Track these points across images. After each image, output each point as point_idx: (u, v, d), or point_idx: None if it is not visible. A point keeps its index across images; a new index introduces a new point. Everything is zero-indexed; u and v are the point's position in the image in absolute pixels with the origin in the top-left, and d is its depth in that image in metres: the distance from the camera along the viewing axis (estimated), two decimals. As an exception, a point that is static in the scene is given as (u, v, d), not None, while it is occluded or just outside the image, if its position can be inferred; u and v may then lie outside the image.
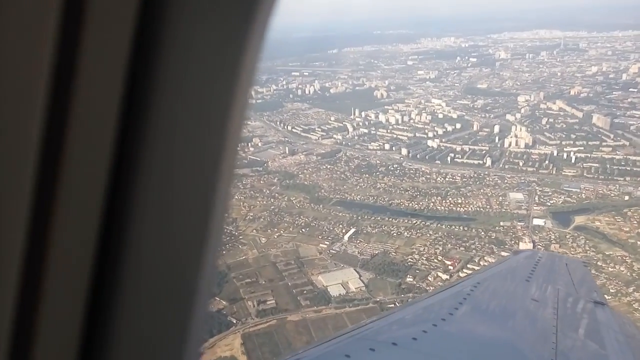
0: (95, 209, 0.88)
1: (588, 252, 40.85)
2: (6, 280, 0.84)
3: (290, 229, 47.79)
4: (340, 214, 49.68)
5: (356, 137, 67.36)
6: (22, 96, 0.78)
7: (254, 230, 47.78)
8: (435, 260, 41.42)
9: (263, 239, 46.32)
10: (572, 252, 40.76)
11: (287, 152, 63.93)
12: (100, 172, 0.87)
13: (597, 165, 53.86)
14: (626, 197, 47.96)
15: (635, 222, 43.79)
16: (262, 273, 41.53)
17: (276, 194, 54.43)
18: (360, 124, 71.42)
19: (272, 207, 51.75)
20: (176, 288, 1.00)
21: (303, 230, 47.48)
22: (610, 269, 38.76)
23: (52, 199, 0.84)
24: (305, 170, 59.26)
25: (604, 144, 58.18)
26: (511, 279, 6.76)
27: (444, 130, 66.18)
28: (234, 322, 36.36)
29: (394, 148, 62.86)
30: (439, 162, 58.41)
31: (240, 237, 46.84)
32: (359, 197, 52.78)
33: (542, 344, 4.67)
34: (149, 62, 0.87)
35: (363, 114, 74.00)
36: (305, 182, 56.38)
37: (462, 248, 42.74)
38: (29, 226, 0.83)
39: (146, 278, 0.97)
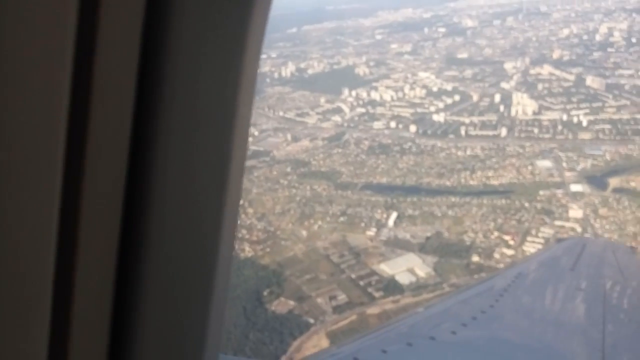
0: (116, 206, 0.93)
1: (636, 212, 42.35)
2: (43, 279, 0.88)
3: (327, 219, 46.70)
4: (372, 199, 48.99)
5: (356, 118, 66.54)
6: (46, 95, 0.81)
7: (290, 224, 46.36)
8: (493, 237, 41.74)
9: (303, 231, 45.04)
10: (622, 215, 42.21)
11: (289, 139, 62.28)
12: (119, 168, 0.92)
13: (609, 126, 55.81)
14: (650, 156, 50.07)
15: (668, 178, 45.84)
16: (319, 268, 40.42)
17: (295, 184, 52.95)
18: (354, 103, 70.52)
19: (297, 198, 50.33)
20: (194, 281, 1.08)
21: (341, 219, 46.53)
22: (664, 228, 40.37)
23: (77, 198, 0.89)
24: (316, 157, 57.95)
25: (606, 104, 60.29)
26: (555, 268, 6.71)
27: (445, 103, 66.43)
28: (312, 321, 35.25)
29: (400, 126, 62.56)
30: (452, 136, 58.71)
31: (278, 233, 45.34)
32: (384, 179, 52.24)
33: (589, 335, 4.61)
34: (156, 61, 0.92)
35: (353, 93, 73.05)
36: (322, 169, 55.19)
37: (513, 221, 43.28)
38: (59, 223, 0.87)
39: (165, 272, 1.03)
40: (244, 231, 44.09)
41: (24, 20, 0.78)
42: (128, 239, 0.97)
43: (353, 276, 38.83)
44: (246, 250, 42.43)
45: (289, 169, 55.71)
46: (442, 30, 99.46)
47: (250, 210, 47.29)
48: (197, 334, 1.12)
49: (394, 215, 45.60)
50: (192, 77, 0.97)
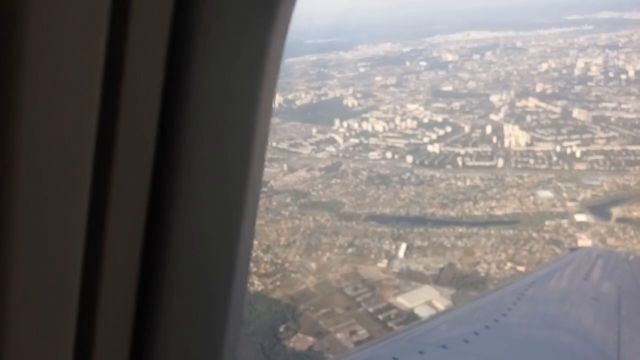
0: (140, 208, 0.96)
1: (643, 242, 42.02)
2: (70, 280, 0.90)
3: (335, 251, 44.99)
4: (378, 230, 47.56)
5: (350, 148, 65.55)
6: (76, 96, 0.83)
7: (297, 256, 44.47)
8: (506, 267, 40.66)
9: (312, 263, 43.19)
10: (631, 244, 41.78)
11: (285, 169, 60.72)
12: (144, 171, 0.95)
13: (602, 157, 56.06)
14: (646, 186, 50.18)
15: (668, 208, 45.82)
16: (334, 301, 38.51)
17: (297, 215, 51.21)
18: (347, 134, 69.62)
19: (301, 229, 48.57)
20: (214, 282, 1.11)
21: (349, 250, 44.89)
22: (675, 257, 39.97)
23: (103, 199, 0.91)
24: (315, 187, 56.45)
25: (596, 136, 60.79)
26: (569, 277, 6.55)
27: (437, 134, 66.06)
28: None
29: (396, 156, 61.74)
30: (450, 166, 58.08)
31: (287, 265, 43.37)
32: (387, 210, 50.96)
33: (603, 344, 4.54)
34: (182, 69, 0.95)
35: (344, 123, 72.28)
36: (323, 200, 53.67)
37: (524, 252, 42.37)
38: (86, 224, 0.89)
39: (186, 273, 1.06)
40: (250, 264, 42.05)
41: (56, 27, 0.78)
42: (152, 239, 0.99)
43: (371, 310, 37.07)
44: (256, 284, 40.29)
45: (288, 200, 54.05)
46: (424, 63, 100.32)
47: (254, 242, 45.22)
48: (216, 335, 1.14)
49: (404, 246, 44.20)
50: (216, 83, 0.98)
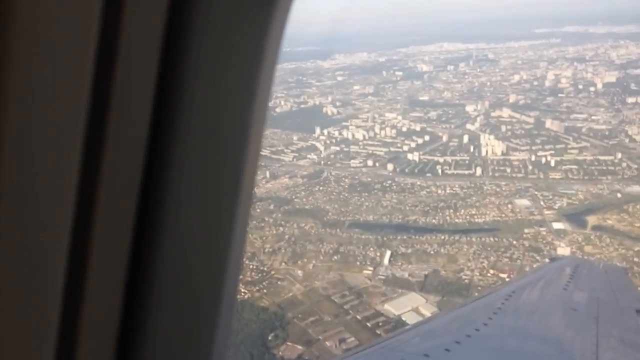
0: (129, 207, 0.95)
1: (619, 249, 42.82)
2: (54, 279, 0.88)
3: (321, 258, 44.72)
4: (362, 237, 47.47)
5: (332, 156, 65.43)
6: (67, 91, 0.82)
7: (283, 263, 44.06)
8: (489, 274, 40.96)
9: (299, 271, 42.84)
10: (607, 252, 42.56)
11: (267, 176, 60.16)
12: (134, 171, 0.94)
13: (575, 166, 57.09)
14: (619, 195, 51.23)
15: (641, 217, 46.85)
16: (322, 309, 38.21)
17: (282, 222, 50.81)
18: (328, 142, 69.52)
19: (286, 237, 48.19)
20: (205, 283, 1.08)
21: (335, 257, 44.65)
22: (650, 264, 40.84)
23: (91, 198, 0.89)
24: (298, 194, 56.12)
25: (568, 146, 61.92)
26: (548, 287, 6.65)
27: (416, 143, 66.39)
28: (325, 367, 32.92)
29: (377, 164, 61.85)
30: (430, 174, 58.43)
31: (273, 273, 42.92)
32: (371, 217, 50.93)
33: (582, 355, 4.58)
34: (176, 68, 0.93)
35: (325, 131, 72.18)
36: (306, 207, 53.38)
37: (505, 259, 42.77)
38: (73, 223, 0.88)
39: (176, 273, 1.04)
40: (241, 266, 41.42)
41: (46, 23, 0.77)
42: (141, 240, 0.97)
43: (359, 317, 36.87)
44: (242, 292, 39.72)
45: (272, 207, 53.59)
46: (400, 73, 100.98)
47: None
48: (206, 336, 1.12)
49: (388, 253, 44.17)
50: (210, 82, 0.97)
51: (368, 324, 36.11)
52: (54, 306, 0.88)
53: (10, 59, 0.75)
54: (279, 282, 41.48)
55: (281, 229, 49.37)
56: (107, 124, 0.87)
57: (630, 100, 71.97)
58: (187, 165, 0.97)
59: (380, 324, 36.20)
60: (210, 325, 1.10)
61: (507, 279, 39.88)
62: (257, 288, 40.73)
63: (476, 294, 38.59)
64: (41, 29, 0.76)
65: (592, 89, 79.17)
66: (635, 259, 41.24)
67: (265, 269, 43.23)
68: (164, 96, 0.93)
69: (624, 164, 56.02)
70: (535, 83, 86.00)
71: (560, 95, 78.89)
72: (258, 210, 52.74)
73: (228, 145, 1.01)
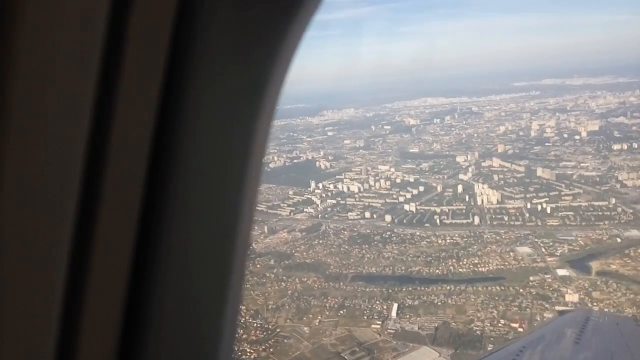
0: (133, 208, 0.93)
1: (627, 294, 41.84)
2: (56, 279, 0.86)
3: (327, 313, 43.02)
4: (367, 290, 46.00)
5: (329, 209, 64.49)
6: (71, 94, 0.80)
7: (288, 320, 42.26)
8: (500, 325, 39.57)
9: (305, 328, 41.03)
10: (616, 298, 41.56)
11: (265, 231, 58.89)
12: (138, 174, 0.92)
13: (572, 213, 56.73)
14: (618, 240, 50.68)
15: (643, 261, 46.16)
16: (333, 367, 36.34)
17: (283, 277, 49.24)
18: (324, 195, 68.74)
19: (289, 292, 46.54)
20: (210, 285, 1.06)
21: (341, 312, 43.01)
22: (659, 309, 39.83)
23: (95, 199, 0.88)
24: (297, 248, 54.76)
25: (562, 193, 61.78)
26: (560, 342, 6.38)
27: (411, 194, 65.92)
28: None
29: (375, 215, 61.00)
30: (428, 224, 57.59)
31: (278, 330, 41.03)
32: (373, 269, 49.60)
33: None
34: (182, 76, 0.92)
35: (320, 185, 71.51)
36: (307, 261, 51.95)
37: (514, 308, 41.49)
38: (76, 222, 0.86)
39: (181, 274, 1.02)
40: (240, 331, 39.53)
41: (54, 25, 0.76)
42: (144, 241, 0.95)
43: (371, 374, 35.08)
44: (248, 352, 37.76)
45: (272, 262, 52.09)
46: (388, 127, 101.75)
47: (241, 307, 42.88)
48: (211, 339, 1.09)
49: (395, 306, 42.66)
50: (217, 88, 0.95)
51: (382, 381, 34.27)
52: (56, 306, 0.86)
53: (15, 60, 0.73)
54: (285, 340, 39.61)
55: (283, 284, 47.78)
56: (112, 126, 0.85)
57: (616, 147, 72.74)
58: (191, 166, 0.95)
59: (395, 380, 34.39)
60: (215, 328, 1.07)
61: (519, 329, 38.57)
62: (263, 347, 38.80)
63: (489, 345, 37.13)
64: (47, 31, 0.75)
65: (577, 137, 80.00)
66: (645, 304, 40.22)
67: (270, 326, 41.40)
68: (170, 101, 0.90)
69: (619, 209, 55.79)
70: (521, 133, 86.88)
71: (547, 144, 79.58)
72: (258, 266, 51.21)
73: (233, 145, 0.99)
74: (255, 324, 41.14)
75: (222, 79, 0.93)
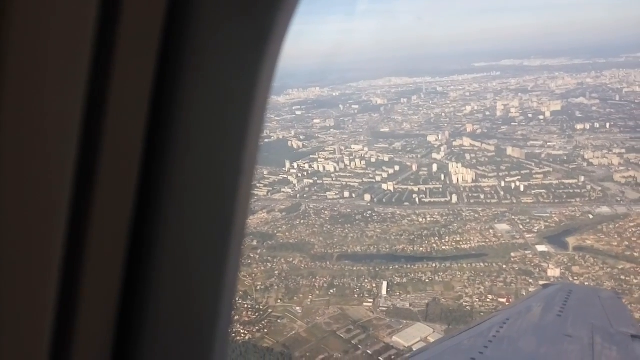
0: (126, 207, 0.93)
1: (604, 269, 43.28)
2: (49, 280, 0.86)
3: (317, 293, 42.74)
4: (354, 269, 45.90)
5: (307, 189, 63.92)
6: (63, 92, 0.80)
7: (279, 301, 41.74)
8: (488, 300, 40.26)
9: (297, 307, 40.63)
10: (594, 272, 42.92)
11: (245, 211, 57.79)
12: (130, 172, 0.92)
13: (544, 191, 58.14)
14: (590, 216, 52.30)
15: (616, 235, 47.79)
16: (329, 345, 36.13)
17: (268, 257, 48.56)
18: (299, 175, 68.05)
19: (276, 272, 45.96)
20: (204, 283, 1.06)
21: (331, 291, 42.78)
22: (635, 281, 41.41)
23: (88, 198, 0.87)
24: (279, 228, 54.11)
25: (533, 172, 63.20)
26: (542, 314, 6.67)
27: (387, 173, 66.07)
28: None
29: (354, 195, 60.84)
30: (407, 203, 57.88)
31: (270, 311, 40.47)
32: (358, 248, 49.51)
33: None
34: (174, 70, 0.92)
35: (295, 165, 70.76)
36: (291, 241, 51.40)
37: (500, 284, 42.27)
38: (69, 221, 0.85)
39: (175, 272, 1.02)
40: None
41: (45, 30, 0.75)
42: (138, 241, 0.95)
43: (370, 352, 35.05)
44: (242, 333, 37.12)
45: (255, 243, 51.19)
46: (356, 107, 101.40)
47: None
48: (206, 337, 1.09)
49: (385, 284, 42.76)
50: (209, 85, 0.95)
51: (380, 359, 34.33)
52: (50, 306, 0.86)
53: (6, 60, 0.73)
54: (278, 321, 39.09)
55: (269, 264, 47.10)
56: (104, 126, 0.85)
57: (579, 126, 74.88)
58: (185, 163, 0.95)
59: (393, 357, 34.49)
60: (210, 325, 1.06)
61: (507, 303, 39.31)
62: (257, 328, 38.18)
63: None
64: (38, 30, 0.74)
65: (541, 117, 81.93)
66: (622, 277, 41.70)
67: (262, 307, 40.76)
68: (163, 99, 0.90)
69: (589, 187, 57.56)
70: (487, 113, 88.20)
71: (513, 123, 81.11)
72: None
73: (225, 143, 0.98)
74: (246, 305, 40.40)
75: (214, 75, 0.91)
